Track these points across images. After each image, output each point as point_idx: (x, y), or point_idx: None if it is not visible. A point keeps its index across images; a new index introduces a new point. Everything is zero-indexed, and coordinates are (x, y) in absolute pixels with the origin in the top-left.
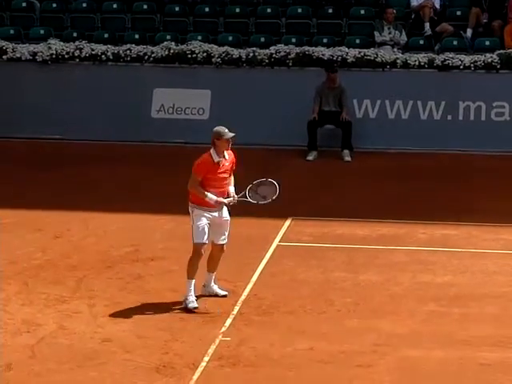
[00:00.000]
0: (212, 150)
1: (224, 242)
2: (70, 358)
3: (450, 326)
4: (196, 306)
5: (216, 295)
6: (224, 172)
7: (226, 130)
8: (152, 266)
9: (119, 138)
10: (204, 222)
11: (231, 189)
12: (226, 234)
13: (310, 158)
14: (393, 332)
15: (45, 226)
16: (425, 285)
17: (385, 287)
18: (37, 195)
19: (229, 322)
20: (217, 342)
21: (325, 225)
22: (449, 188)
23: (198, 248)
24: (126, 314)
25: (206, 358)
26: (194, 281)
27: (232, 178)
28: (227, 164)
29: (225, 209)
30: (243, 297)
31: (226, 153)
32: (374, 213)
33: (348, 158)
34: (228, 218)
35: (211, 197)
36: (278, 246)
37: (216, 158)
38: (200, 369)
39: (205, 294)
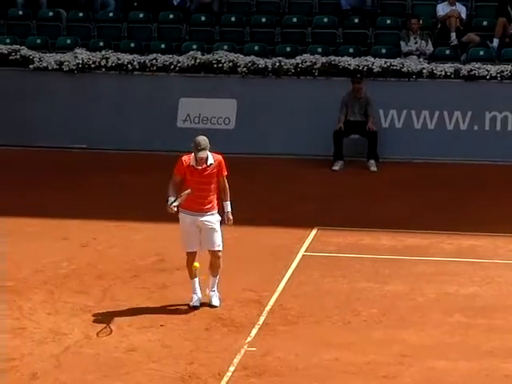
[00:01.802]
0: (192, 154)
1: (214, 248)
2: (95, 368)
3: (476, 337)
4: (195, 305)
5: (209, 304)
6: (205, 178)
7: (200, 147)
8: (177, 276)
9: (145, 148)
10: (185, 228)
11: (227, 206)
12: (216, 240)
13: (335, 167)
14: (418, 343)
15: (71, 235)
16: (450, 296)
17: (410, 298)
18: (62, 204)
19: (254, 332)
20: (242, 352)
21: (350, 235)
22: (475, 198)
23: (187, 255)
24: (151, 323)
25: (232, 368)
26: (195, 280)
27: (227, 188)
28: (210, 169)
29: (213, 216)
30: (269, 307)
31: (211, 157)
32: (399, 223)
33: (374, 168)
34: (213, 225)
35: (169, 199)
36: (303, 255)
37: (192, 162)
38: (225, 379)
39: (205, 294)
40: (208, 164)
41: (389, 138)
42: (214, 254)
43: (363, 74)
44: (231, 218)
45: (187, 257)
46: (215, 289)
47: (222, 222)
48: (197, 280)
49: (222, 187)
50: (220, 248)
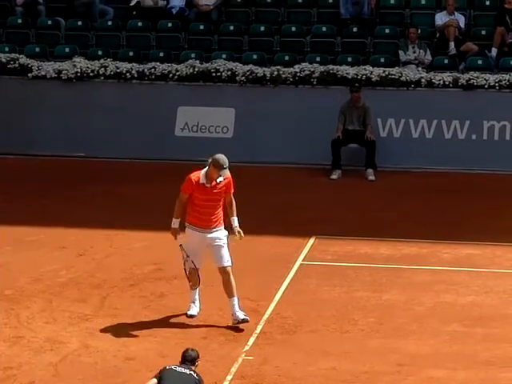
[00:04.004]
0: (204, 171)
1: (223, 265)
2: (93, 377)
3: (473, 346)
4: (192, 314)
5: (238, 322)
6: (214, 195)
7: (226, 166)
8: (175, 285)
9: (143, 156)
10: (193, 245)
11: (235, 221)
12: (225, 256)
13: (333, 176)
14: (416, 352)
15: (69, 244)
16: (448, 305)
17: (408, 307)
18: (60, 213)
19: (252, 340)
20: (240, 360)
21: (348, 244)
22: (473, 208)
23: (190, 270)
24: (149, 332)
25: (229, 377)
26: (194, 291)
27: (233, 204)
28: (219, 186)
29: (221, 231)
30: (266, 316)
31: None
32: (397, 232)
33: (372, 177)
34: (221, 242)
35: (174, 222)
36: (301, 264)
37: (202, 180)
38: None
39: (232, 324)
40: (218, 181)
41: (387, 147)
42: (224, 270)
43: (361, 83)
44: (241, 231)
45: (189, 270)
46: (238, 309)
47: (229, 236)
48: (197, 291)
49: (229, 203)
50: (229, 263)
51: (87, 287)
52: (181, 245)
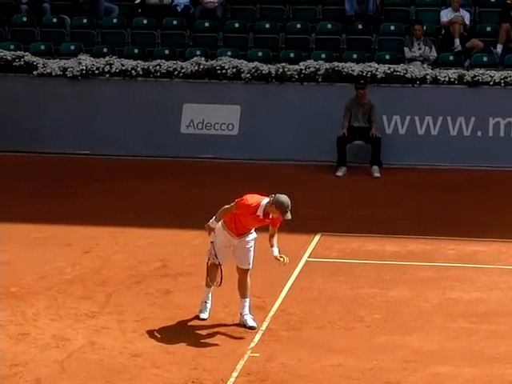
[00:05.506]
0: (263, 204)
1: (244, 267)
2: (99, 374)
3: (479, 342)
4: (202, 317)
5: (244, 325)
6: (258, 223)
7: (288, 210)
8: (181, 282)
9: (148, 154)
10: (220, 242)
11: (274, 251)
12: (248, 259)
13: (339, 173)
14: (422, 348)
15: (74, 241)
16: (453, 301)
17: (414, 303)
18: (66, 210)
19: (257, 337)
20: (245, 357)
21: (354, 240)
22: (478, 204)
23: (210, 264)
24: (154, 329)
25: (235, 374)
26: (207, 290)
27: (276, 236)
28: (269, 219)
29: (250, 235)
30: (272, 312)
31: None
32: (403, 229)
33: (377, 174)
34: (248, 245)
35: (212, 222)
36: (306, 261)
37: (259, 213)
38: None
39: (239, 323)
40: (270, 217)
41: (392, 144)
42: (243, 272)
43: (367, 79)
44: (283, 255)
45: (210, 264)
46: (247, 312)
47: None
48: (211, 290)
49: (272, 234)
50: (250, 267)
51: (93, 284)
52: (212, 242)
